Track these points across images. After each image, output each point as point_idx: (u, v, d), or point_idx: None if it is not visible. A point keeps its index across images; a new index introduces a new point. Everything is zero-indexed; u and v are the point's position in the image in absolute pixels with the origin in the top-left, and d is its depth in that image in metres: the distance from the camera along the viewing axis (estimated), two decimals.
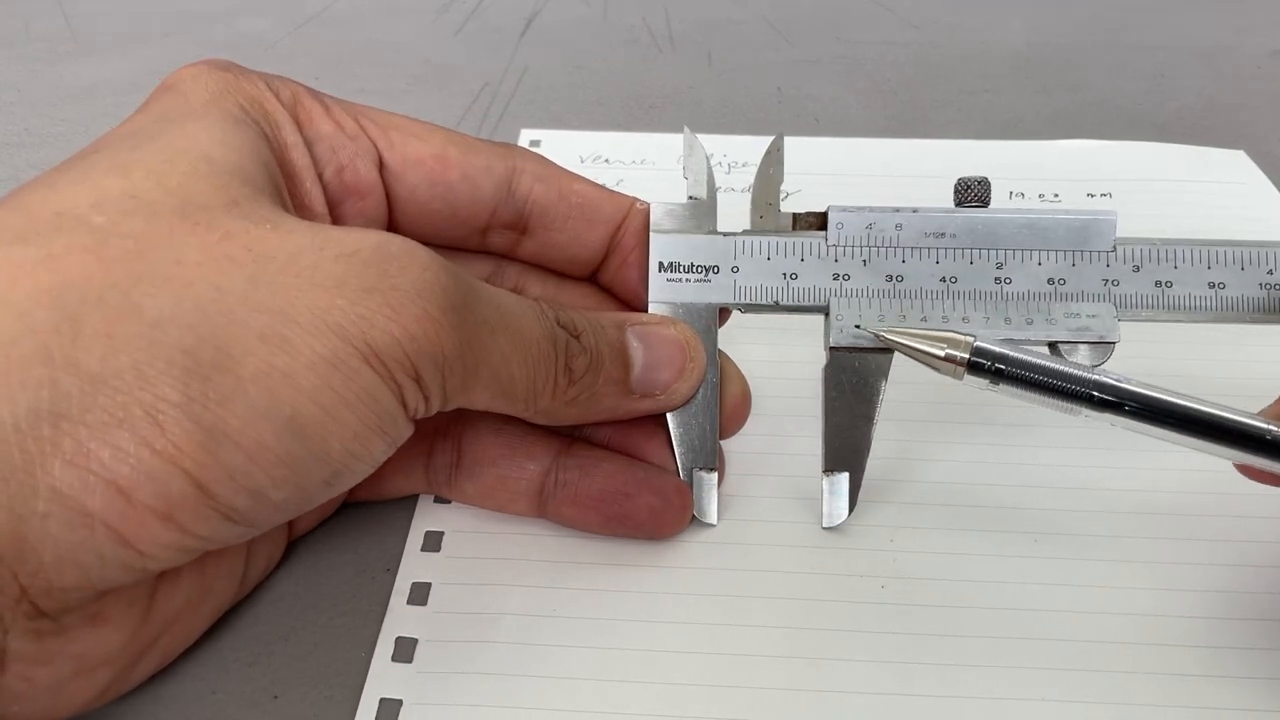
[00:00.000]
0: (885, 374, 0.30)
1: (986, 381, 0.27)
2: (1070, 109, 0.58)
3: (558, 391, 0.28)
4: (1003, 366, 0.27)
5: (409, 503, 0.32)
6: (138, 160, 0.24)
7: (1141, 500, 0.32)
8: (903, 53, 0.65)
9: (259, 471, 0.22)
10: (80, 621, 0.23)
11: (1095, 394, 0.27)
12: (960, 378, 0.28)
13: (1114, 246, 0.30)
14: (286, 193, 0.27)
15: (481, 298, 0.26)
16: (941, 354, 0.28)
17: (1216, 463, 0.33)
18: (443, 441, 0.31)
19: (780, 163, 0.31)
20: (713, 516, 0.31)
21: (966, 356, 0.27)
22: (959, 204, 0.31)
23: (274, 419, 0.22)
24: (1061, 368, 0.27)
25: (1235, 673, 0.27)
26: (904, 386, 0.31)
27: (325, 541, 0.31)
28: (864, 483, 0.31)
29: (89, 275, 0.21)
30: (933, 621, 0.29)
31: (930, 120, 0.57)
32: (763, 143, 0.32)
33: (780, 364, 0.37)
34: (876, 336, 0.29)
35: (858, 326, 0.30)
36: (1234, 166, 0.51)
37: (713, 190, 0.31)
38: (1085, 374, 0.27)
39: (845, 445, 0.30)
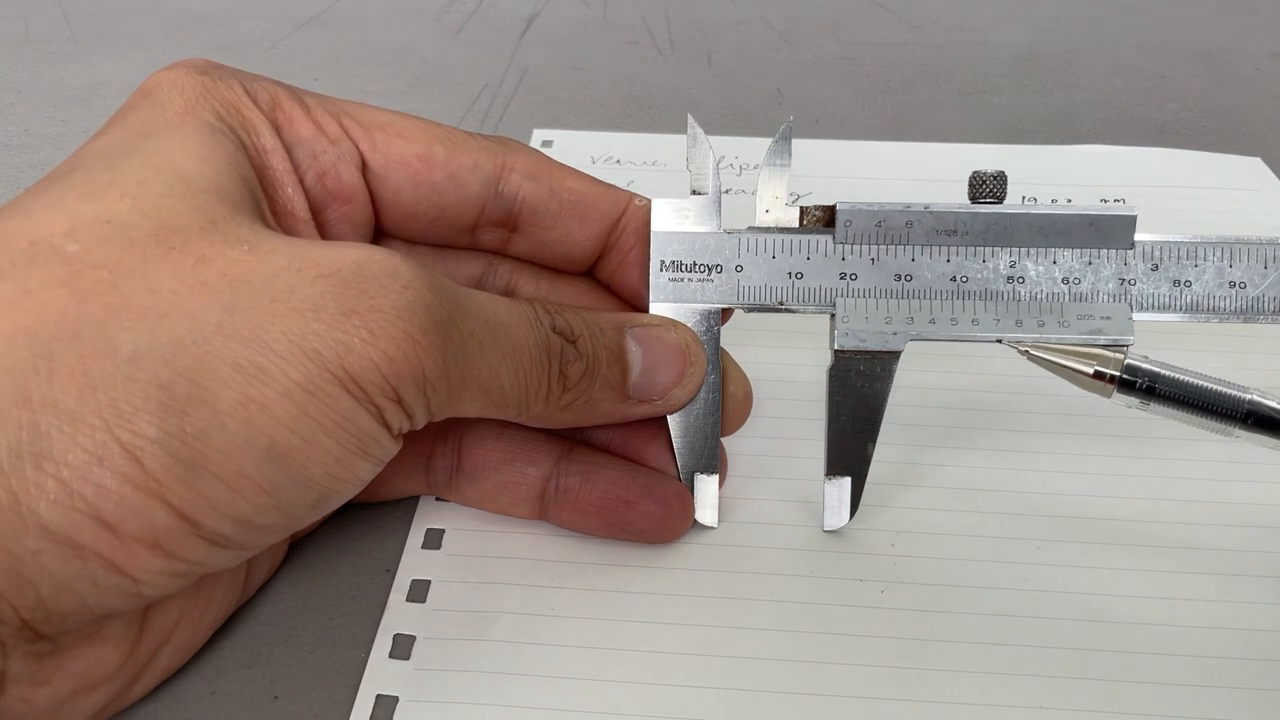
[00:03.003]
0: (891, 378, 0.30)
1: (1136, 400, 0.27)
2: (1070, 110, 0.58)
3: (551, 398, 0.27)
4: (1155, 385, 0.27)
5: (410, 501, 0.32)
6: (112, 181, 0.24)
7: (1145, 509, 0.32)
8: (902, 54, 0.65)
9: (241, 501, 0.22)
10: (77, 641, 0.23)
11: (1250, 416, 0.27)
12: (1109, 395, 0.27)
13: (1133, 244, 0.30)
14: (267, 203, 0.27)
15: (468, 310, 0.25)
16: (1090, 371, 0.27)
17: (1230, 475, 0.33)
18: (442, 445, 0.31)
19: (788, 152, 0.30)
20: (713, 519, 0.31)
21: (1117, 374, 0.27)
22: (974, 199, 0.30)
23: (252, 449, 0.22)
24: (1217, 388, 0.27)
25: (1234, 683, 0.27)
26: (909, 391, 0.31)
27: (325, 542, 0.31)
28: (866, 486, 0.31)
29: (64, 310, 0.21)
30: (932, 627, 0.29)
31: (930, 121, 0.57)
32: None
33: (784, 365, 0.37)
34: (1025, 354, 0.29)
35: (999, 340, 0.29)
36: (1250, 173, 0.51)
37: (717, 184, 0.30)
38: (1240, 395, 0.27)
39: (848, 449, 0.30)
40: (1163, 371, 0.27)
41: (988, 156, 0.52)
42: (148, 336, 0.21)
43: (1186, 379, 0.27)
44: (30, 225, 0.23)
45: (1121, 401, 0.28)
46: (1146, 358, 0.28)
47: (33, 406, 0.20)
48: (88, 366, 0.21)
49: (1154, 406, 0.27)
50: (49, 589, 0.21)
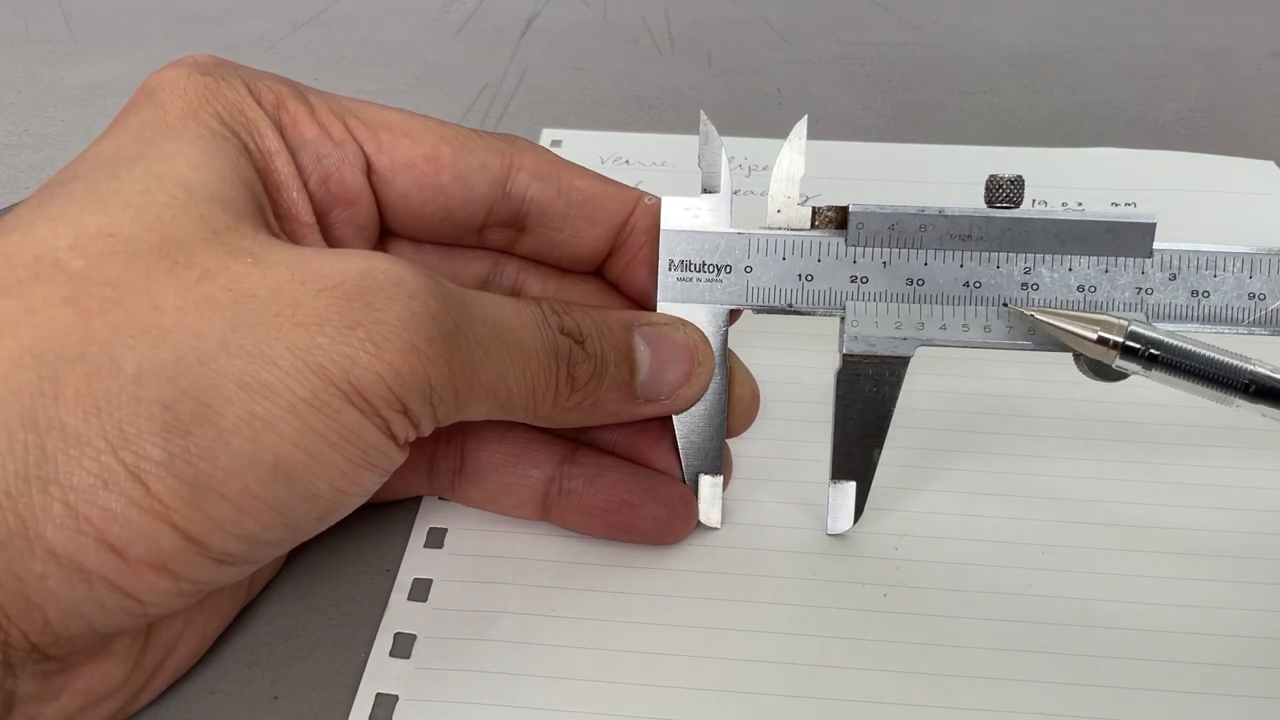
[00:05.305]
0: (899, 383, 0.29)
1: (1139, 367, 0.27)
2: (1070, 110, 0.58)
3: (559, 399, 0.27)
4: (1157, 352, 0.27)
5: (413, 500, 0.32)
6: (115, 191, 0.23)
7: (1151, 514, 0.32)
8: (902, 54, 0.65)
9: (247, 519, 0.22)
10: (84, 658, 0.23)
11: (1252, 384, 0.27)
12: (1112, 362, 0.28)
13: (1152, 253, 0.29)
14: (270, 207, 0.26)
15: (475, 317, 0.25)
16: (1094, 337, 0.27)
17: (1238, 481, 0.33)
18: (445, 447, 0.31)
19: (801, 151, 0.30)
20: (716, 520, 0.31)
21: (1121, 340, 0.27)
22: (990, 203, 0.29)
23: (258, 467, 0.22)
24: (1220, 357, 0.27)
25: (1242, 691, 0.27)
26: (913, 394, 0.30)
27: (325, 541, 0.31)
28: (870, 490, 0.30)
29: (68, 329, 0.21)
30: (934, 631, 0.29)
31: (930, 121, 0.57)
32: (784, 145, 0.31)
33: (791, 368, 0.37)
34: (1029, 318, 0.28)
35: (1005, 304, 0.29)
36: (1261, 176, 0.51)
37: (728, 182, 0.30)
38: (1243, 364, 0.27)
39: (854, 454, 0.30)
40: (1166, 339, 0.27)
41: (996, 159, 0.52)
42: (151, 355, 0.21)
43: (1190, 347, 0.27)
44: (34, 240, 0.22)
45: (1124, 368, 0.28)
46: (1151, 325, 0.28)
47: (39, 429, 0.20)
48: (92, 387, 0.21)
49: (1156, 374, 0.27)
50: (56, 612, 0.21)
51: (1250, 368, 0.27)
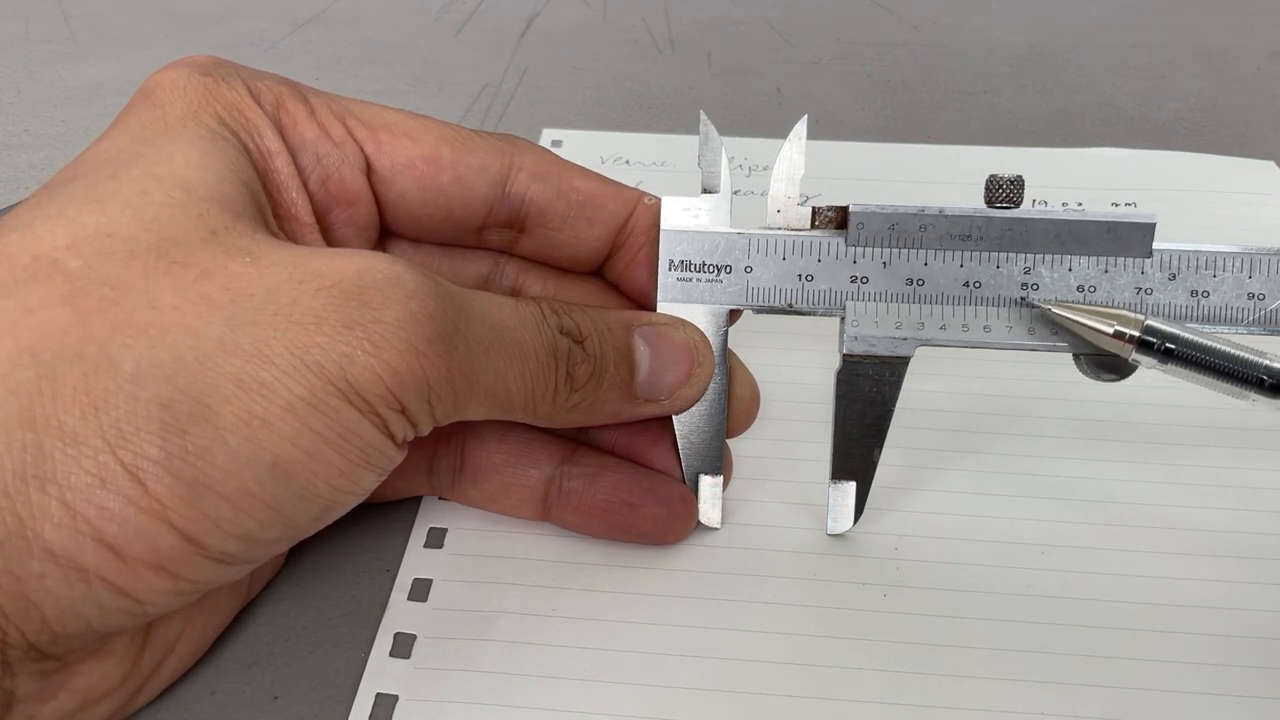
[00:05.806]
0: (899, 383, 0.29)
1: (1155, 361, 0.27)
2: (1070, 110, 0.58)
3: (558, 399, 0.27)
4: (1173, 346, 0.27)
5: (413, 500, 0.32)
6: (113, 191, 0.24)
7: (1149, 514, 0.32)
8: (902, 53, 0.65)
9: (246, 518, 0.22)
10: (83, 657, 0.23)
11: (1267, 379, 0.27)
12: (1129, 355, 0.28)
13: (1151, 253, 0.29)
14: (270, 208, 0.26)
15: (474, 317, 0.25)
16: (1110, 331, 0.28)
17: (1237, 481, 0.33)
18: (445, 447, 0.31)
19: (801, 151, 0.30)
20: (716, 520, 0.31)
21: (1137, 334, 0.27)
22: (989, 203, 0.29)
23: (256, 466, 0.22)
24: (1235, 351, 0.27)
25: (1244, 691, 0.27)
26: (914, 394, 0.30)
27: (325, 541, 0.31)
28: (870, 490, 0.30)
29: (66, 329, 0.21)
30: (934, 631, 0.29)
31: (930, 121, 0.57)
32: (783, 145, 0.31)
33: (791, 368, 0.37)
34: (1045, 312, 0.28)
35: (1023, 299, 0.29)
36: (1262, 176, 0.50)
37: (728, 182, 0.30)
38: (1258, 359, 0.27)
39: (854, 454, 0.30)
40: (1181, 333, 0.27)
41: (996, 159, 0.51)
42: (149, 354, 0.21)
43: (1205, 342, 0.27)
44: (32, 239, 0.22)
45: (1141, 362, 0.28)
46: (1167, 319, 0.28)
47: (37, 428, 0.20)
48: (90, 386, 0.21)
49: (1172, 368, 0.28)
50: (54, 611, 0.21)
51: (1266, 362, 0.27)
